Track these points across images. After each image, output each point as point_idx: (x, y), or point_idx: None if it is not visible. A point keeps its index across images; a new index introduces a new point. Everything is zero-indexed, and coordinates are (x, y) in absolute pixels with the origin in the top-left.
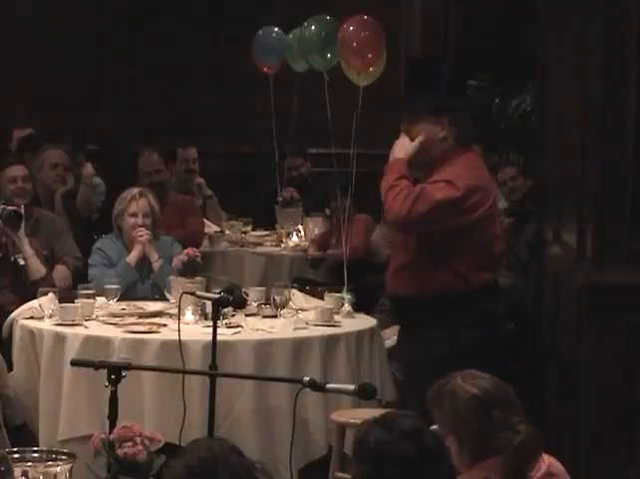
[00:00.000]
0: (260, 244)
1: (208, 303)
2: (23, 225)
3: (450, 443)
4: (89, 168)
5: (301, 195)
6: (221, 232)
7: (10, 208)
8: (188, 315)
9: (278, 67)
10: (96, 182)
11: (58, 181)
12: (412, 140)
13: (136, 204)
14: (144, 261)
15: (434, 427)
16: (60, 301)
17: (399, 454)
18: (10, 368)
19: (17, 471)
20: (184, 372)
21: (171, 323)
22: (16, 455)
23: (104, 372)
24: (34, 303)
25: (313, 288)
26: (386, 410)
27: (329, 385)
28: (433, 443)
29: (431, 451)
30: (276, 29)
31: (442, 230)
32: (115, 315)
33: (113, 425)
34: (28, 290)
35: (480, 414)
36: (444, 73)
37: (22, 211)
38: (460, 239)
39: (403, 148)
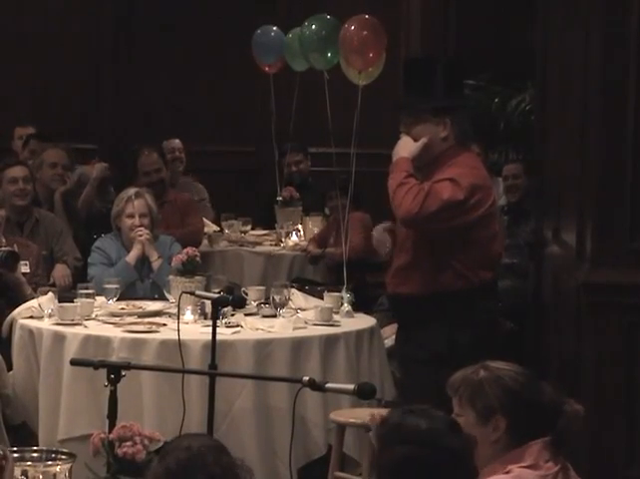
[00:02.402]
0: (260, 244)
1: (208, 303)
2: (20, 265)
3: (490, 428)
4: (99, 169)
5: (300, 194)
6: (221, 231)
7: (4, 249)
8: (188, 315)
9: (279, 66)
10: (107, 189)
11: (57, 180)
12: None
13: (132, 205)
14: (143, 261)
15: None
16: (59, 301)
17: (446, 444)
18: (10, 368)
19: (17, 470)
20: (184, 372)
21: (171, 323)
22: (16, 454)
23: (103, 372)
24: (33, 303)
25: (312, 288)
26: (385, 409)
27: (328, 385)
28: (468, 439)
29: (469, 443)
30: (275, 28)
31: (448, 227)
32: (114, 315)
33: (112, 425)
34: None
35: (534, 388)
36: (442, 72)
37: (16, 249)
38: (462, 237)
39: (407, 147)
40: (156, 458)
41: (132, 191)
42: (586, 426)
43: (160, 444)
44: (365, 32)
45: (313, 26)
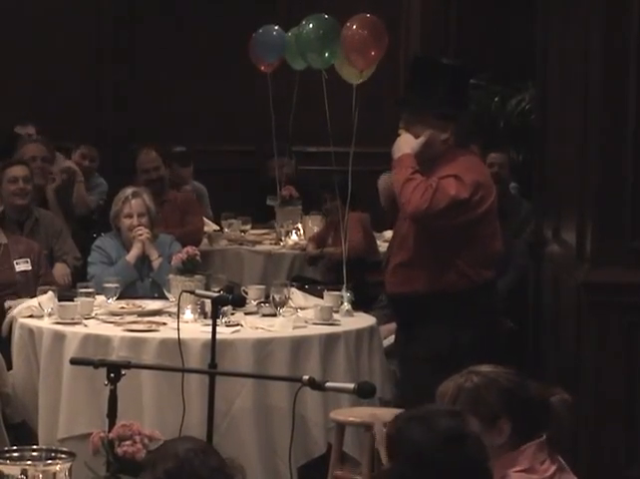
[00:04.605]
0: (259, 243)
1: (208, 302)
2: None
3: (496, 432)
4: (61, 163)
5: (300, 193)
6: (220, 230)
7: None
8: (188, 314)
9: (276, 65)
10: (99, 181)
11: (37, 174)
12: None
13: (129, 205)
14: (143, 260)
15: None
16: (59, 300)
17: (444, 459)
18: (9, 367)
19: (16, 470)
20: (184, 371)
21: (171, 322)
22: (15, 454)
23: (103, 371)
24: (33, 302)
25: (312, 287)
26: (385, 408)
27: (328, 384)
28: (476, 444)
29: (475, 454)
30: (277, 27)
31: (453, 224)
32: (114, 314)
33: (112, 424)
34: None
35: (524, 385)
36: (449, 75)
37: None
38: (465, 234)
39: (408, 144)
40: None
41: (128, 191)
42: (586, 426)
43: (160, 443)
44: (366, 31)
45: (310, 25)
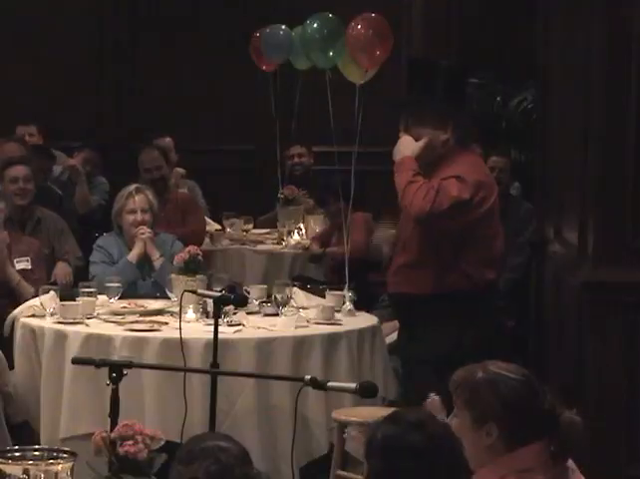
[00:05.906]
0: (261, 242)
1: (210, 301)
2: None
3: (483, 433)
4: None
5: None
6: (222, 229)
7: None
8: (190, 314)
9: (278, 64)
10: (100, 180)
11: None
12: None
13: (133, 200)
14: (145, 259)
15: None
16: (61, 299)
17: (407, 445)
18: (11, 366)
19: (18, 469)
20: (186, 371)
21: (173, 321)
22: (17, 453)
23: (105, 370)
24: (35, 301)
25: (314, 286)
26: (387, 408)
27: (330, 384)
28: (440, 431)
29: (439, 439)
30: (284, 27)
31: (456, 224)
32: (116, 313)
33: (114, 423)
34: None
35: (531, 395)
36: (445, 75)
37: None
38: (468, 235)
39: (409, 146)
40: (158, 456)
41: (132, 187)
42: (587, 424)
43: (162, 443)
44: (372, 30)
45: (315, 24)
